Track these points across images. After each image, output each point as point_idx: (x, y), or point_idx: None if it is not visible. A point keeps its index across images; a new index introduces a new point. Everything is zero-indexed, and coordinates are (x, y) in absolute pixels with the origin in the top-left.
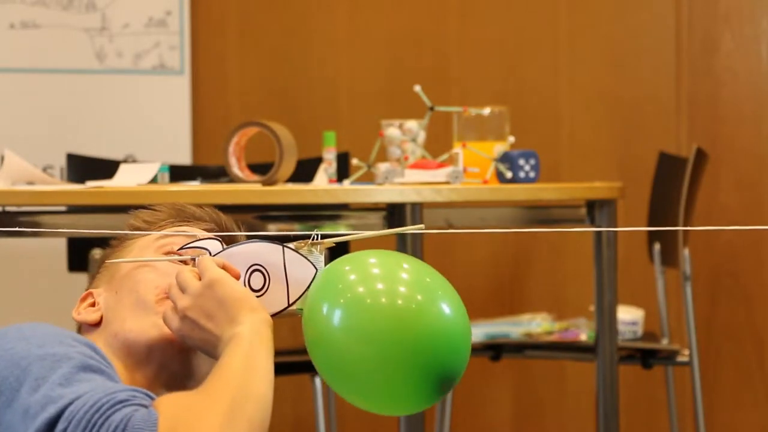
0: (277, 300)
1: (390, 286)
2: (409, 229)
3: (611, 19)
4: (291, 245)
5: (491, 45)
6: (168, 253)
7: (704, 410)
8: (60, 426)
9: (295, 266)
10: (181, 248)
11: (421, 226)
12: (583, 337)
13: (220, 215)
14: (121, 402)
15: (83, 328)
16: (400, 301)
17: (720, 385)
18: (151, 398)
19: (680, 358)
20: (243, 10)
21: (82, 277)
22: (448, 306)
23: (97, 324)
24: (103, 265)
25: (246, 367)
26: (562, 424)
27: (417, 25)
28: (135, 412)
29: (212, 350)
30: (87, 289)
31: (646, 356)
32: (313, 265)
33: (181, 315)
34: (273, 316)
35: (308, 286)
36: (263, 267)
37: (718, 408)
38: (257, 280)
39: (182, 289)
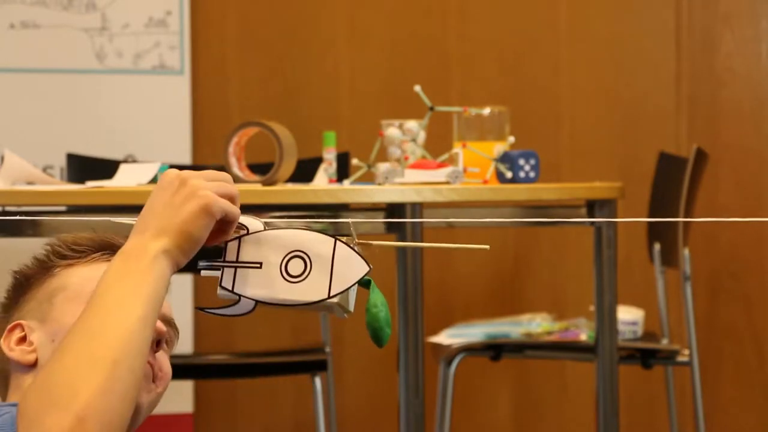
0: (314, 290)
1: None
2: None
3: (611, 19)
4: (344, 239)
5: (491, 45)
6: None
7: (704, 410)
8: None
9: (344, 262)
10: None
11: (486, 246)
12: (583, 337)
13: None
14: None
15: (14, 365)
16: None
17: (720, 385)
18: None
19: (680, 358)
20: (243, 10)
21: None
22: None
23: (32, 365)
24: (27, 289)
25: (109, 304)
26: (562, 424)
27: (417, 25)
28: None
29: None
30: (9, 314)
31: (646, 356)
32: (367, 263)
33: None
34: (307, 306)
35: (354, 283)
36: (307, 255)
37: (718, 408)
38: (296, 267)
39: None
